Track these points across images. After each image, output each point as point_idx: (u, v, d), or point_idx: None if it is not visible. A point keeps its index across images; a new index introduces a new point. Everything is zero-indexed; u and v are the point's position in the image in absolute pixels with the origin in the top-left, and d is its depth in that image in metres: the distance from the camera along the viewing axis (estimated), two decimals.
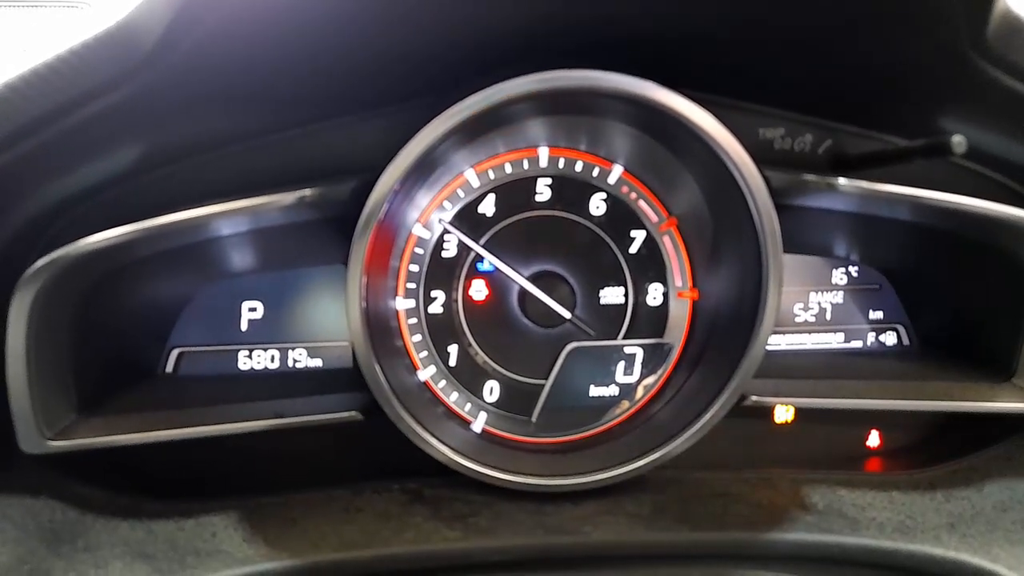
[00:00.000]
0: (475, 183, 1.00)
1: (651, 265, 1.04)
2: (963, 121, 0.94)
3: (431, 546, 0.86)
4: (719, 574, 0.90)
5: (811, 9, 0.80)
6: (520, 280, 1.00)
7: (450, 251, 1.01)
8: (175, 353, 1.02)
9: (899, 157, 0.92)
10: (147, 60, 0.72)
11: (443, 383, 1.03)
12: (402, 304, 1.01)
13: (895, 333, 1.15)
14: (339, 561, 0.84)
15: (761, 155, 0.88)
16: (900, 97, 0.94)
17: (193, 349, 1.03)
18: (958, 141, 0.79)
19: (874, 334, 1.14)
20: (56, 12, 1.25)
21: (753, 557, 0.90)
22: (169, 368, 1.02)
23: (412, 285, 1.01)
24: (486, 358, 1.03)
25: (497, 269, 1.01)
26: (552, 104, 0.89)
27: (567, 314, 1.00)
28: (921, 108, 0.95)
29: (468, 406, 1.03)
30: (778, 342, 1.12)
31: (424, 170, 0.91)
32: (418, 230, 1.00)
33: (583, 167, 1.02)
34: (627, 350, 1.04)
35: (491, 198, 1.01)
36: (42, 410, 0.81)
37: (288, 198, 0.85)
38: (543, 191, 1.02)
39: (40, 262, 0.78)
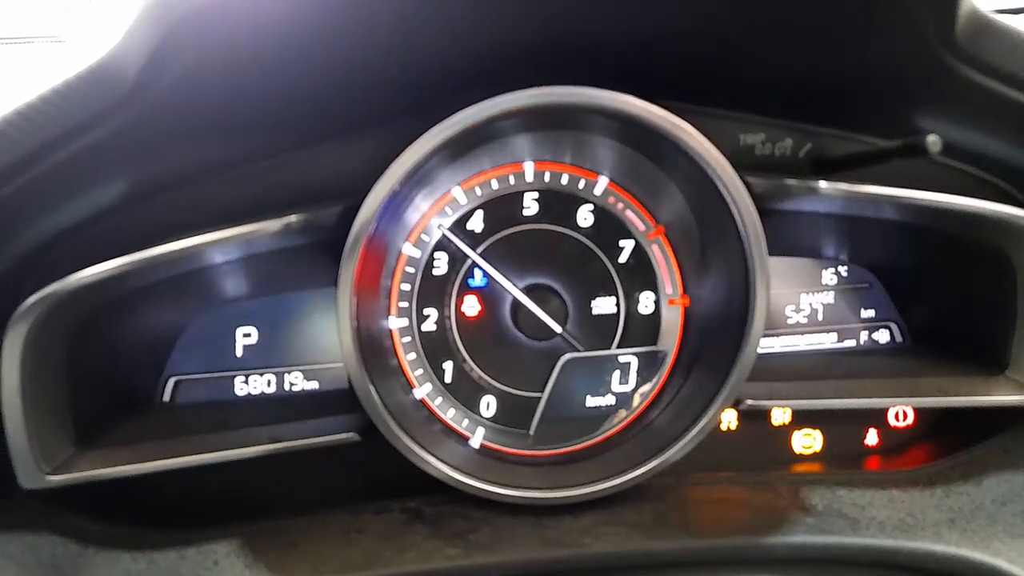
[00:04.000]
0: (462, 200, 1.01)
1: (641, 274, 1.04)
2: (940, 119, 0.94)
3: (433, 565, 0.86)
4: None
5: (782, 13, 0.81)
6: (514, 291, 1.00)
7: (441, 268, 1.02)
8: (172, 382, 1.03)
9: (877, 158, 0.92)
10: (129, 95, 0.73)
11: (439, 400, 1.03)
12: (395, 323, 1.01)
13: (887, 331, 1.15)
14: None
15: (742, 161, 0.89)
16: (877, 98, 0.95)
17: (189, 377, 1.03)
18: (933, 140, 0.80)
19: (867, 332, 1.15)
20: (40, 47, 1.26)
21: (755, 562, 0.90)
22: (166, 397, 1.02)
23: (404, 304, 1.01)
24: (481, 373, 1.03)
25: (489, 283, 1.01)
26: (536, 119, 0.90)
27: (558, 328, 1.00)
28: (898, 108, 0.95)
29: (465, 422, 1.04)
30: (771, 344, 1.12)
31: (411, 189, 0.92)
32: (408, 249, 1.00)
33: (569, 180, 1.02)
34: (621, 359, 1.04)
35: (479, 214, 1.01)
36: (40, 445, 0.81)
37: (274, 225, 0.86)
38: (530, 205, 1.02)
39: (32, 298, 0.78)
